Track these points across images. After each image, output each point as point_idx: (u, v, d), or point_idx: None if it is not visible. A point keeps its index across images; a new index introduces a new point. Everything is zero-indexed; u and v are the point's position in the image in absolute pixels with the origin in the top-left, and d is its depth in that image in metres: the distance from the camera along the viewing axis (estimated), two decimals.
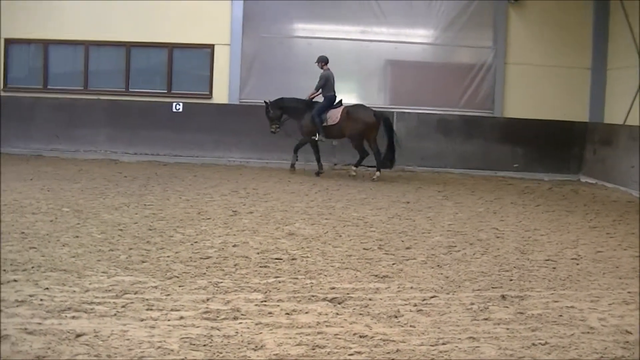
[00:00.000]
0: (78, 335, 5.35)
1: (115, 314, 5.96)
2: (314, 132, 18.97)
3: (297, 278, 7.53)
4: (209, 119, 21.06)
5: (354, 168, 19.13)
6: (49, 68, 22.60)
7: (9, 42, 22.52)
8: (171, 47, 22.08)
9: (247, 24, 21.90)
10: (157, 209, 11.93)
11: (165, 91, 22.06)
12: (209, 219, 11.15)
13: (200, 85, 21.51)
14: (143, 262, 7.97)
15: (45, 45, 22.45)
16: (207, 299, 6.54)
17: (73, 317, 5.81)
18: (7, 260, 7.65)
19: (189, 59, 22.49)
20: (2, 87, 22.49)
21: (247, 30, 21.93)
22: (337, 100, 19.21)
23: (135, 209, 11.83)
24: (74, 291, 6.59)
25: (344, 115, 18.77)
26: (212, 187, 15.22)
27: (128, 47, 22.18)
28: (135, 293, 6.64)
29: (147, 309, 6.15)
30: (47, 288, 6.63)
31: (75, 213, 11.07)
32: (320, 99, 19.25)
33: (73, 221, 10.34)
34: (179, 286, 6.97)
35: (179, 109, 20.80)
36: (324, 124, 18.89)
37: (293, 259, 8.48)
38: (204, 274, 7.55)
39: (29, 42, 22.65)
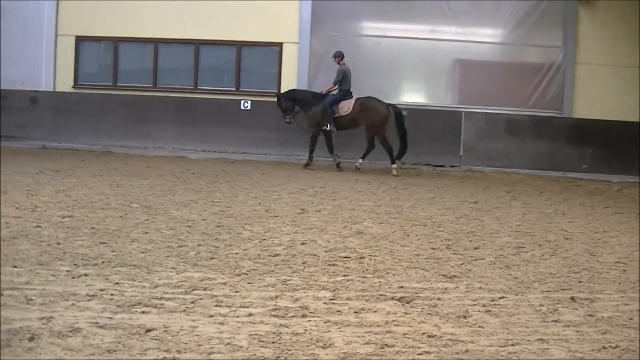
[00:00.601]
0: (148, 330, 5.36)
1: (184, 310, 5.97)
2: (323, 122, 19.38)
3: (365, 277, 7.48)
4: (276, 117, 21.11)
5: (394, 166, 19.22)
6: (119, 65, 22.96)
7: (80, 39, 22.86)
8: (239, 45, 22.27)
9: (315, 22, 21.99)
10: (225, 206, 11.97)
11: (234, 89, 22.27)
12: (277, 216, 11.15)
13: (269, 83, 21.62)
14: (212, 258, 7.98)
15: (115, 42, 22.80)
16: (276, 296, 6.52)
17: (143, 312, 5.83)
18: (78, 254, 7.72)
19: (257, 57, 22.67)
20: (73, 83, 22.83)
21: (316, 29, 22.02)
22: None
23: (203, 205, 11.89)
24: (144, 286, 6.62)
25: (357, 107, 19.24)
26: (280, 185, 15.27)
27: (197, 44, 22.43)
28: (204, 289, 6.64)
29: (216, 305, 6.14)
30: (117, 283, 6.67)
31: (144, 209, 11.16)
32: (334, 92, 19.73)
33: (142, 217, 10.42)
34: (248, 283, 6.97)
35: (247, 106, 20.92)
36: (336, 114, 19.24)
37: (361, 258, 8.43)
38: (273, 271, 7.54)
39: (99, 39, 23.02)
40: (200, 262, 7.74)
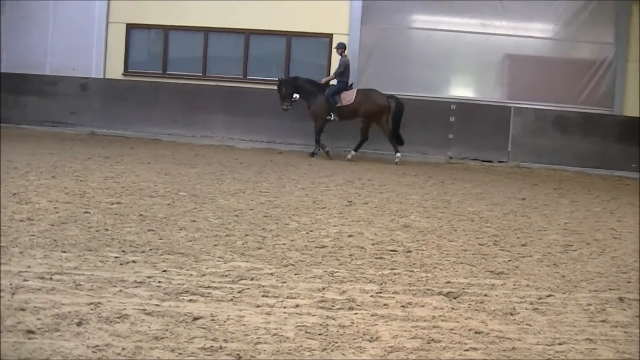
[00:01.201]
0: (195, 319, 5.37)
1: (231, 299, 5.97)
2: (327, 113, 19.84)
3: (412, 271, 7.44)
4: None
5: (352, 153, 19.93)
6: (169, 53, 23.01)
7: (130, 27, 22.98)
8: (289, 36, 22.23)
9: (366, 14, 21.91)
10: (273, 196, 11.99)
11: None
12: (324, 208, 11.13)
13: (318, 74, 21.46)
14: (259, 248, 7.99)
15: (166, 31, 22.87)
16: (323, 288, 6.51)
17: (190, 301, 5.85)
18: (126, 241, 7.77)
19: (306, 48, 22.61)
20: (123, 71, 22.95)
21: (366, 20, 21.94)
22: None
23: (250, 195, 11.91)
24: (191, 275, 6.64)
25: (358, 98, 19.69)
26: (327, 177, 15.26)
27: (247, 34, 22.42)
28: (251, 279, 6.64)
29: (263, 296, 6.14)
30: (164, 270, 6.70)
31: (192, 197, 11.20)
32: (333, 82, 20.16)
33: (190, 205, 10.46)
34: (295, 274, 6.96)
35: (296, 97, 20.82)
36: (338, 104, 19.67)
37: (408, 252, 8.38)
38: (320, 262, 7.52)
39: (150, 27, 23.09)
40: (247, 252, 7.75)
